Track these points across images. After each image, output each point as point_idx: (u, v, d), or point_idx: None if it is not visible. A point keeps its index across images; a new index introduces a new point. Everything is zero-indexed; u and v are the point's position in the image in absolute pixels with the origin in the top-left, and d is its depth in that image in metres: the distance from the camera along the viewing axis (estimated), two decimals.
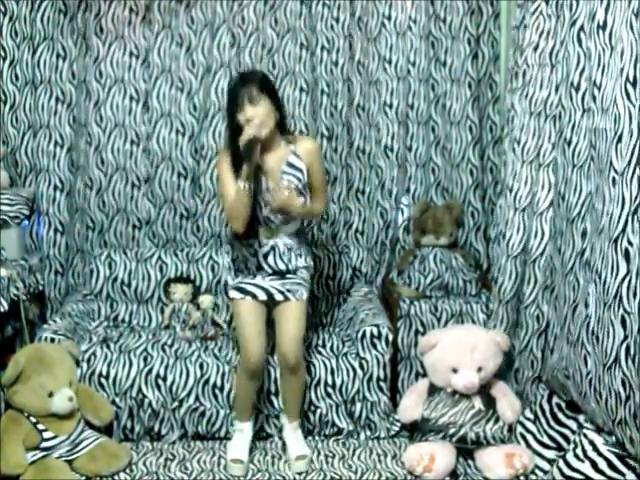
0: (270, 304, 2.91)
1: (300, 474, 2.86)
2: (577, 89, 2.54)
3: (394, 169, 3.72)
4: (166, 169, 3.67)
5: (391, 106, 3.68)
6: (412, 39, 3.64)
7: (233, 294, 2.86)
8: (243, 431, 2.97)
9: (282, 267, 2.84)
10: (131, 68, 3.61)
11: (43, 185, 3.67)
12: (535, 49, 2.83)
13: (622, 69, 2.18)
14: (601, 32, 2.35)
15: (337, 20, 3.61)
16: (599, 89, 2.37)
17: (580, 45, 2.52)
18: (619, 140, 2.21)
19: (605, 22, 2.32)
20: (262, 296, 2.85)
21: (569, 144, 2.61)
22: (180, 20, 3.57)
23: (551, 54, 2.77)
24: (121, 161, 3.67)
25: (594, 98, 2.41)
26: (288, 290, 2.85)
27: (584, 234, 2.54)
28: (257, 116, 2.63)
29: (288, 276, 2.86)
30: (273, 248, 2.83)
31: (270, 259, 2.83)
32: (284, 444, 3.01)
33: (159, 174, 3.67)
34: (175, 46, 3.59)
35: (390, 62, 3.65)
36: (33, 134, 3.64)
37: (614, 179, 2.26)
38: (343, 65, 3.64)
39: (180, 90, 3.63)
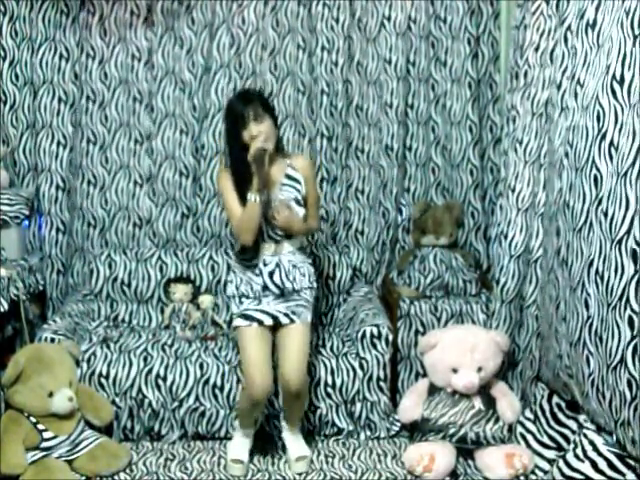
0: (274, 328, 2.87)
1: (300, 474, 2.86)
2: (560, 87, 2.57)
3: (394, 169, 3.73)
4: (169, 168, 3.68)
5: (391, 106, 3.68)
6: (412, 39, 3.64)
7: (238, 322, 2.82)
8: (244, 433, 2.96)
9: (288, 285, 2.81)
10: (134, 69, 3.62)
11: (45, 185, 3.68)
12: (536, 49, 2.83)
13: (609, 67, 2.18)
14: (590, 30, 2.35)
15: (337, 20, 3.61)
16: (582, 87, 2.37)
17: (566, 44, 2.54)
18: (603, 138, 2.21)
19: (595, 20, 2.33)
20: (268, 321, 2.81)
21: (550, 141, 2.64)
22: (181, 21, 3.57)
23: (552, 54, 2.78)
24: (124, 160, 3.68)
25: (576, 96, 2.41)
26: (293, 312, 2.82)
27: (558, 232, 2.55)
28: (263, 132, 2.67)
29: (292, 297, 2.84)
30: (278, 265, 2.81)
31: (276, 277, 2.80)
32: (284, 445, 3.00)
33: (161, 173, 3.68)
34: (177, 47, 3.60)
35: (390, 62, 3.65)
36: (34, 134, 3.64)
37: (596, 177, 2.26)
38: (343, 65, 3.65)
39: (182, 91, 3.63)
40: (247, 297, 2.83)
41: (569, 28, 2.54)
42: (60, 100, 3.63)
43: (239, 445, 2.93)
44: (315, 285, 2.93)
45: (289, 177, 2.83)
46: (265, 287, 2.81)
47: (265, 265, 2.81)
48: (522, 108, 2.93)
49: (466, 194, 3.74)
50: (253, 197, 2.66)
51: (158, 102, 3.64)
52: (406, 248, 3.78)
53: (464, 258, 3.58)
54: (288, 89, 3.64)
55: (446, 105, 3.70)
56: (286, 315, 2.82)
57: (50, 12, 3.55)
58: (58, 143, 3.66)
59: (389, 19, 3.62)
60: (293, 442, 2.96)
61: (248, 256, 2.83)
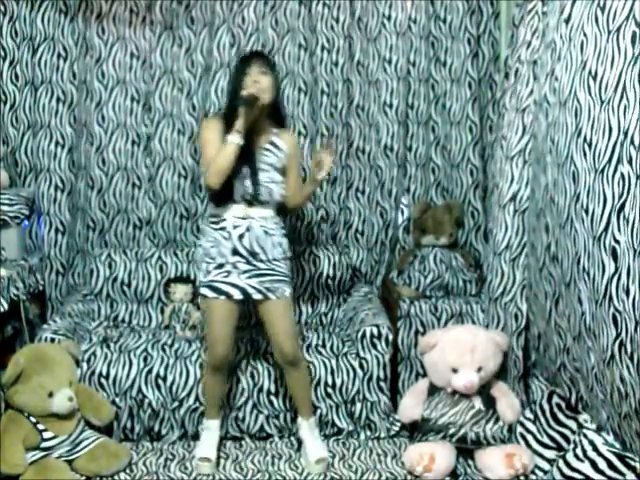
0: (249, 302, 2.90)
1: (301, 474, 2.86)
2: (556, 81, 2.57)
3: (394, 169, 3.73)
4: (167, 169, 3.68)
5: (391, 106, 3.68)
6: (412, 39, 3.64)
7: (206, 292, 2.80)
8: (211, 429, 2.97)
9: (258, 250, 2.78)
10: (132, 69, 3.62)
11: (44, 185, 3.67)
12: (527, 47, 2.83)
13: (585, 62, 2.19)
14: (564, 25, 2.37)
15: (337, 20, 3.61)
16: (558, 82, 2.39)
17: (548, 39, 2.56)
18: (579, 134, 2.21)
19: (570, 15, 2.35)
20: (237, 295, 2.79)
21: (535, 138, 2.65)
22: (180, 21, 3.57)
23: (538, 51, 2.78)
24: (122, 161, 3.68)
25: (554, 91, 2.42)
26: (267, 289, 2.80)
27: (547, 229, 2.55)
28: (262, 83, 2.72)
29: (266, 272, 2.81)
30: (248, 229, 2.78)
31: (245, 241, 2.78)
32: (301, 445, 2.99)
33: (160, 174, 3.68)
34: (176, 47, 3.60)
35: (390, 62, 3.65)
36: (33, 134, 3.64)
37: (574, 173, 2.26)
38: (343, 65, 3.65)
39: (180, 90, 3.63)
40: (216, 266, 2.79)
41: (548, 24, 2.57)
42: (59, 100, 3.63)
43: (207, 443, 2.93)
44: (289, 255, 2.91)
45: (273, 144, 2.84)
46: (235, 251, 2.78)
47: (235, 228, 2.79)
48: (510, 105, 2.93)
49: (466, 194, 3.75)
50: (231, 138, 2.65)
51: (156, 102, 3.64)
52: (406, 248, 3.78)
53: (464, 258, 3.58)
54: (288, 89, 3.64)
55: (446, 105, 3.70)
56: (259, 291, 2.80)
57: (50, 11, 3.54)
58: (56, 143, 3.66)
59: (389, 19, 3.62)
60: (313, 443, 2.93)
61: (217, 218, 2.81)
